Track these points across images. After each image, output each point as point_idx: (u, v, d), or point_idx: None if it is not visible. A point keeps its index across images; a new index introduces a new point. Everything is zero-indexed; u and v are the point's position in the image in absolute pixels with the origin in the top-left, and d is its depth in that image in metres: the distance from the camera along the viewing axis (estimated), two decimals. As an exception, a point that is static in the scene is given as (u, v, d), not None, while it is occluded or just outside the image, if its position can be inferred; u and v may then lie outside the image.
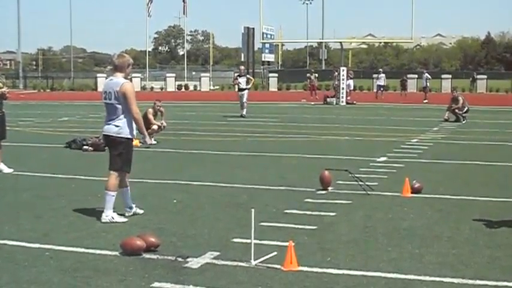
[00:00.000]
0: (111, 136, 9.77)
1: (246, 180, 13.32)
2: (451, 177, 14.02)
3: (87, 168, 15.14)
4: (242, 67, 36.33)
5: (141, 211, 10.11)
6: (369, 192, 11.76)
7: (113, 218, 9.65)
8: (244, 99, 31.53)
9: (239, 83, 31.87)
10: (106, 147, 18.01)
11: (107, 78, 13.25)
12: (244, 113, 31.43)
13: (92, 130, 22.84)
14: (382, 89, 53.65)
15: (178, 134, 22.51)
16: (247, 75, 32.97)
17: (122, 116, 9.67)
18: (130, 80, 10.62)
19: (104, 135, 9.99)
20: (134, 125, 9.85)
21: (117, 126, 9.69)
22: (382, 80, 53.83)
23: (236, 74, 33.70)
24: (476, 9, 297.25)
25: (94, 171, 14.41)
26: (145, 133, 10.14)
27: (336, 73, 51.38)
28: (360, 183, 12.10)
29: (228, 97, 53.34)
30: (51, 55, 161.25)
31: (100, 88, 67.53)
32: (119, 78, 9.69)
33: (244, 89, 31.63)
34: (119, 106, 9.62)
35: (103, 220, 9.65)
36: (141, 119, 9.98)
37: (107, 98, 9.66)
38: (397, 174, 14.02)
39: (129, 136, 9.82)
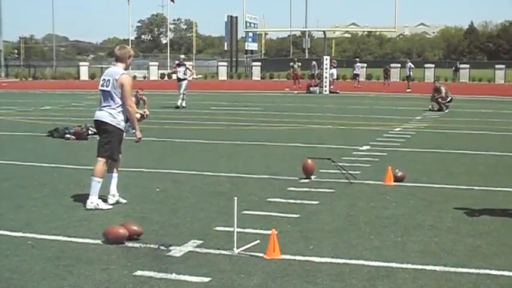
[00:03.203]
0: (103, 121, 9.86)
1: (229, 169, 13.32)
2: (433, 166, 14.07)
3: (70, 157, 15.10)
4: (182, 56, 34.91)
5: (124, 201, 10.09)
6: (351, 181, 11.79)
7: (97, 205, 9.65)
8: (182, 90, 30.44)
9: (178, 72, 31.05)
10: (89, 136, 18.10)
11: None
12: (183, 104, 30.40)
13: (74, 119, 22.79)
14: (357, 77, 56.00)
15: (161, 123, 22.46)
16: (186, 65, 31.68)
17: (115, 106, 9.81)
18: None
19: (95, 120, 10.05)
20: (123, 117, 9.94)
21: (110, 113, 9.81)
22: (357, 69, 56.32)
23: (176, 63, 32.53)
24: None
25: (76, 160, 14.38)
26: (137, 127, 10.13)
27: (314, 62, 51.92)
28: (343, 171, 12.13)
29: (211, 86, 53.31)
30: (33, 43, 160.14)
31: (83, 77, 67.38)
32: (119, 68, 9.89)
33: (183, 79, 30.68)
34: (115, 95, 9.77)
35: (88, 207, 9.64)
36: (135, 113, 10.11)
37: (104, 85, 9.80)
38: (379, 163, 14.07)
39: (120, 126, 9.91)
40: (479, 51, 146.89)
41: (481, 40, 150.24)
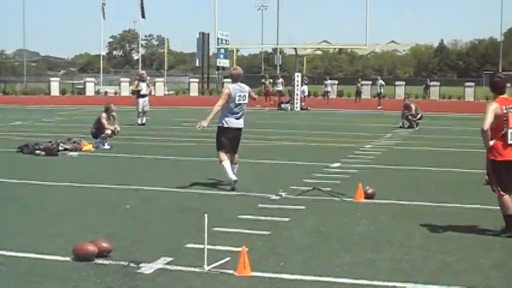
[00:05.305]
0: (242, 128, 13.24)
1: (200, 185, 13.32)
2: (403, 183, 14.15)
3: (40, 172, 14.98)
4: (143, 71, 33.94)
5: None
6: (343, 199, 11.83)
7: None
8: (147, 107, 29.50)
9: (141, 88, 29.42)
10: (59, 152, 17.98)
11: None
12: (144, 120, 29.37)
13: (45, 135, 22.61)
14: (327, 94, 56.83)
15: (132, 139, 22.38)
16: (147, 81, 30.53)
17: (244, 111, 13.07)
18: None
19: (237, 128, 13.19)
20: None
21: (242, 120, 13.16)
22: (328, 86, 57.41)
23: (137, 79, 31.38)
24: (429, 17, 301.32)
25: (46, 176, 14.28)
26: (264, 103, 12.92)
27: (281, 79, 51.92)
28: (336, 195, 12.13)
29: (182, 102, 53.24)
30: (3, 59, 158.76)
31: (53, 92, 66.99)
32: (243, 85, 13.02)
33: (145, 95, 29.49)
34: (245, 105, 12.99)
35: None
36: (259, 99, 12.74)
37: (242, 99, 12.87)
38: (350, 179, 14.11)
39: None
40: (449, 68, 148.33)
41: (451, 58, 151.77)
